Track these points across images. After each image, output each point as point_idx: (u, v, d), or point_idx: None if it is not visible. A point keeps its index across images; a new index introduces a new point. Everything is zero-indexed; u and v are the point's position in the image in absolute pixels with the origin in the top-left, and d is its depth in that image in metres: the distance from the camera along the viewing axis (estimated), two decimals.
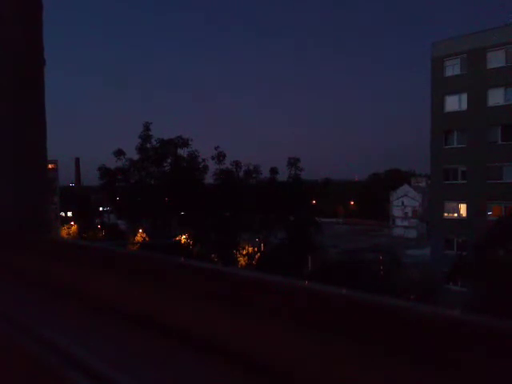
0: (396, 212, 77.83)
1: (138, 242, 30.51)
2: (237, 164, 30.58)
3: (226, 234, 28.70)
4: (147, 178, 30.94)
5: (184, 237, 30.25)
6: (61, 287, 1.24)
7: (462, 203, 33.09)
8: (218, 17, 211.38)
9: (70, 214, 61.23)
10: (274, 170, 31.46)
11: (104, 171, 30.61)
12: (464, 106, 33.03)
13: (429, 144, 35.21)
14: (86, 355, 0.80)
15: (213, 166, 30.24)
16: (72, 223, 56.40)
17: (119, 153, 30.14)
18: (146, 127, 30.18)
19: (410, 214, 75.86)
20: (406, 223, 75.62)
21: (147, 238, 30.35)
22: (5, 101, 1.72)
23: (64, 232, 51.39)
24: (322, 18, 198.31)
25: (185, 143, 30.12)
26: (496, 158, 31.05)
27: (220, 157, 29.97)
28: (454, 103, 33.58)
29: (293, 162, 30.95)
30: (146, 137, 30.07)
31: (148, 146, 30.21)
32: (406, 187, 78.31)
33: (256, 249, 30.73)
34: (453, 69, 33.59)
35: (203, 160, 30.35)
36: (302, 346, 0.63)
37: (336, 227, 71.03)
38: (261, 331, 0.68)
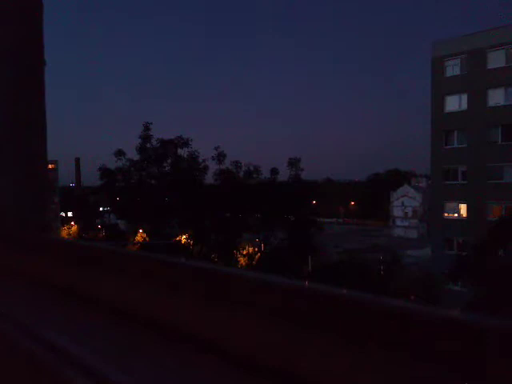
0: (396, 212, 77.78)
1: (138, 242, 30.49)
2: (237, 164, 30.58)
3: (226, 234, 28.67)
4: (147, 178, 30.92)
5: (184, 237, 30.22)
6: (61, 287, 1.24)
7: (462, 203, 33.06)
8: (217, 17, 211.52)
9: (70, 214, 61.21)
10: (274, 171, 31.47)
11: (104, 171, 30.59)
12: (464, 106, 32.98)
13: (429, 144, 35.21)
14: (86, 355, 0.80)
15: (213, 167, 30.27)
16: (72, 223, 56.37)
17: (119, 153, 30.11)
18: (146, 127, 30.17)
19: (410, 214, 75.81)
20: (406, 223, 75.57)
21: (147, 238, 30.33)
22: (5, 101, 1.72)
23: (64, 232, 51.33)
24: (322, 19, 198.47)
25: (185, 143, 30.09)
26: (496, 158, 31.01)
27: (220, 157, 29.95)
28: (454, 103, 33.54)
29: (293, 163, 30.92)
30: (146, 137, 30.04)
31: (148, 146, 30.20)
32: (406, 187, 78.25)
33: (256, 249, 30.70)
34: (453, 69, 33.55)
35: (203, 160, 30.36)
36: (302, 346, 0.63)
37: (336, 227, 70.97)
38: (261, 331, 0.68)
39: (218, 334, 0.75)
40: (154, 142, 30.25)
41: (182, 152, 30.38)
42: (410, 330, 0.52)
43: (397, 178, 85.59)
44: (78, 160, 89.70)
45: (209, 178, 30.65)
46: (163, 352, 0.80)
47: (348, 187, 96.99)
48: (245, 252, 30.08)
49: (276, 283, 0.69)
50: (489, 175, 31.42)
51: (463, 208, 33.34)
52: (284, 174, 31.41)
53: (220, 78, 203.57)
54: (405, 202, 76.60)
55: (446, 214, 34.10)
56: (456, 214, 33.78)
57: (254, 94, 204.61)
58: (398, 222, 77.01)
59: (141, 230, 31.79)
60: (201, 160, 30.43)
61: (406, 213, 76.31)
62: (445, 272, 24.89)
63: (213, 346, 0.74)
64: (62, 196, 59.81)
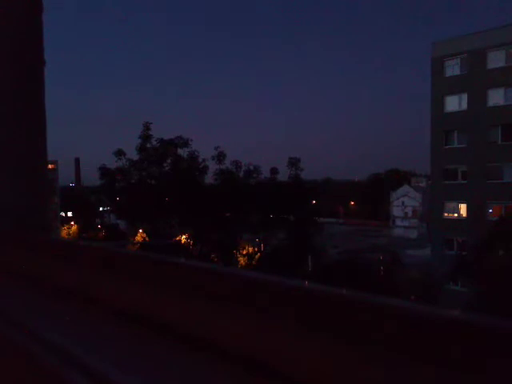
0: (396, 212, 77.78)
1: (138, 242, 30.50)
2: (237, 164, 30.59)
3: (226, 234, 28.68)
4: (147, 178, 30.92)
5: (184, 237, 30.24)
6: (61, 287, 1.24)
7: (462, 203, 33.06)
8: (217, 17, 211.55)
9: (70, 214, 61.23)
10: (274, 170, 31.48)
11: (104, 171, 30.61)
12: (464, 106, 32.98)
13: (429, 144, 35.22)
14: (86, 355, 0.80)
15: (213, 167, 30.27)
16: (72, 223, 56.39)
17: (119, 153, 30.11)
18: (146, 127, 30.16)
19: (410, 214, 75.82)
20: (406, 223, 75.57)
21: (147, 238, 30.33)
22: (5, 101, 1.72)
23: (64, 232, 51.35)
24: (322, 19, 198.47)
25: (185, 143, 30.11)
26: (496, 158, 31.03)
27: (220, 157, 29.95)
28: (454, 103, 33.55)
29: (294, 163, 30.93)
30: (146, 137, 30.03)
31: (148, 146, 30.20)
32: (406, 187, 78.26)
33: (256, 249, 30.71)
34: (453, 69, 33.55)
35: (203, 160, 30.37)
36: (302, 346, 0.63)
37: (336, 227, 70.94)
38: (261, 331, 0.68)
39: (218, 333, 0.75)
40: (153, 142, 30.28)
41: (182, 152, 30.42)
42: (409, 330, 0.52)
43: (397, 178, 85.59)
44: (77, 160, 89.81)
45: (209, 178, 30.69)
46: (164, 352, 0.80)
47: (348, 187, 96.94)
48: (245, 252, 30.09)
49: (275, 283, 0.69)
50: (489, 175, 31.42)
51: (463, 208, 33.33)
52: (284, 174, 31.44)
53: (220, 77, 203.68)
54: (405, 202, 76.60)
55: (446, 214, 34.10)
56: (456, 214, 33.79)
57: (254, 94, 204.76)
58: (398, 222, 77.01)
59: (141, 230, 31.79)
60: (201, 160, 30.46)
61: (406, 213, 76.32)
62: (445, 272, 24.90)
63: (213, 346, 0.74)
64: (62, 196, 59.80)
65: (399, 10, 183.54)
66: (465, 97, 32.87)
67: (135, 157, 30.40)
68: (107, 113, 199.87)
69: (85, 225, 51.64)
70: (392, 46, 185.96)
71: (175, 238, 30.15)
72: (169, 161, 30.54)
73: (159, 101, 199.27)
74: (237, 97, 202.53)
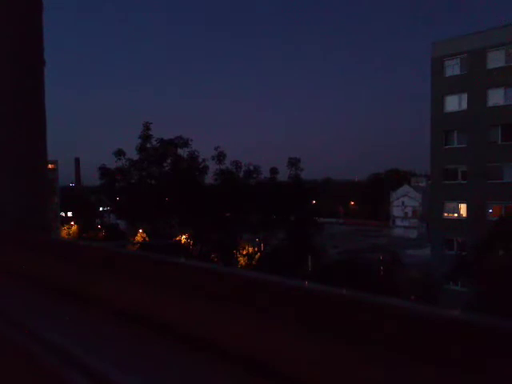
0: (396, 212, 77.75)
1: (138, 242, 30.48)
2: (237, 164, 30.60)
3: (226, 234, 28.68)
4: (147, 178, 30.91)
5: (184, 237, 30.23)
6: (61, 287, 1.24)
7: (462, 203, 33.07)
8: (217, 17, 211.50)
9: (70, 214, 61.20)
10: (274, 170, 31.48)
11: (104, 171, 30.60)
12: (464, 106, 32.98)
13: (429, 144, 35.22)
14: (86, 355, 0.80)
15: (213, 167, 30.27)
16: (72, 223, 56.37)
17: (119, 153, 30.10)
18: (146, 127, 30.14)
19: (410, 214, 75.80)
20: (406, 223, 75.56)
21: (147, 238, 30.32)
22: (5, 101, 1.72)
23: (64, 232, 51.34)
24: (322, 19, 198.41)
25: (185, 143, 30.11)
26: (496, 158, 31.03)
27: (220, 157, 29.95)
28: (454, 103, 33.55)
29: (293, 163, 30.93)
30: (146, 137, 30.01)
31: (148, 146, 30.19)
32: (406, 187, 78.24)
33: (256, 249, 30.70)
34: (453, 69, 33.56)
35: (203, 160, 30.37)
36: (302, 346, 0.63)
37: (336, 227, 70.88)
38: (261, 331, 0.68)
39: (218, 333, 0.75)
40: (153, 142, 30.27)
41: (182, 152, 30.42)
42: (409, 330, 0.52)
43: (397, 178, 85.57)
44: (77, 160, 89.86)
45: (209, 178, 30.70)
46: (164, 352, 0.80)
47: (348, 187, 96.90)
48: (245, 252, 30.08)
49: (275, 283, 0.69)
50: (489, 175, 31.41)
51: (463, 208, 33.33)
52: (284, 174, 31.44)
53: (220, 77, 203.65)
54: (405, 202, 76.57)
55: (445, 214, 34.09)
56: (456, 214, 33.78)
57: (254, 94, 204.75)
58: (398, 222, 76.99)
59: (141, 230, 31.77)
60: (201, 160, 30.46)
61: (406, 213, 76.30)
62: (445, 272, 24.88)
63: (213, 346, 0.74)
64: (62, 196, 59.79)
65: (399, 10, 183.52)
66: (465, 97, 32.88)
67: (135, 157, 30.40)
68: (107, 113, 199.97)
69: (85, 225, 51.61)
70: (392, 45, 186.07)
71: (175, 238, 30.14)
72: (169, 161, 30.53)
73: (159, 101, 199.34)
74: (237, 97, 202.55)
